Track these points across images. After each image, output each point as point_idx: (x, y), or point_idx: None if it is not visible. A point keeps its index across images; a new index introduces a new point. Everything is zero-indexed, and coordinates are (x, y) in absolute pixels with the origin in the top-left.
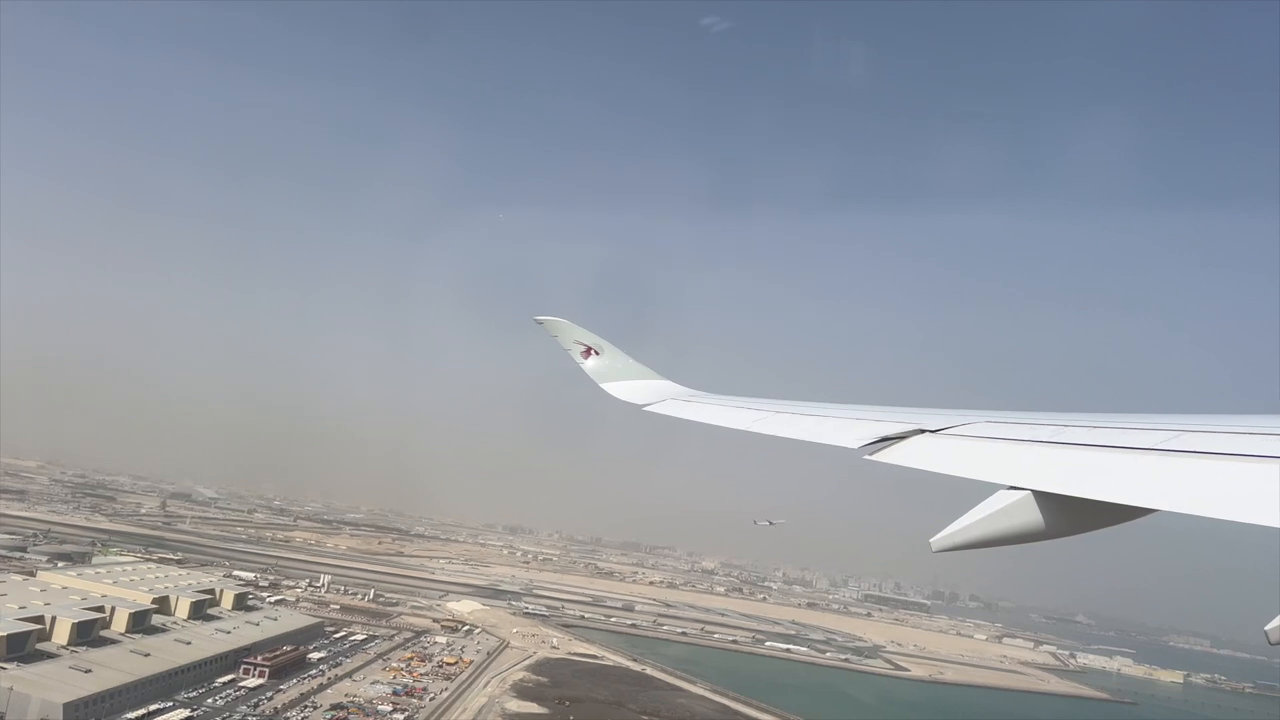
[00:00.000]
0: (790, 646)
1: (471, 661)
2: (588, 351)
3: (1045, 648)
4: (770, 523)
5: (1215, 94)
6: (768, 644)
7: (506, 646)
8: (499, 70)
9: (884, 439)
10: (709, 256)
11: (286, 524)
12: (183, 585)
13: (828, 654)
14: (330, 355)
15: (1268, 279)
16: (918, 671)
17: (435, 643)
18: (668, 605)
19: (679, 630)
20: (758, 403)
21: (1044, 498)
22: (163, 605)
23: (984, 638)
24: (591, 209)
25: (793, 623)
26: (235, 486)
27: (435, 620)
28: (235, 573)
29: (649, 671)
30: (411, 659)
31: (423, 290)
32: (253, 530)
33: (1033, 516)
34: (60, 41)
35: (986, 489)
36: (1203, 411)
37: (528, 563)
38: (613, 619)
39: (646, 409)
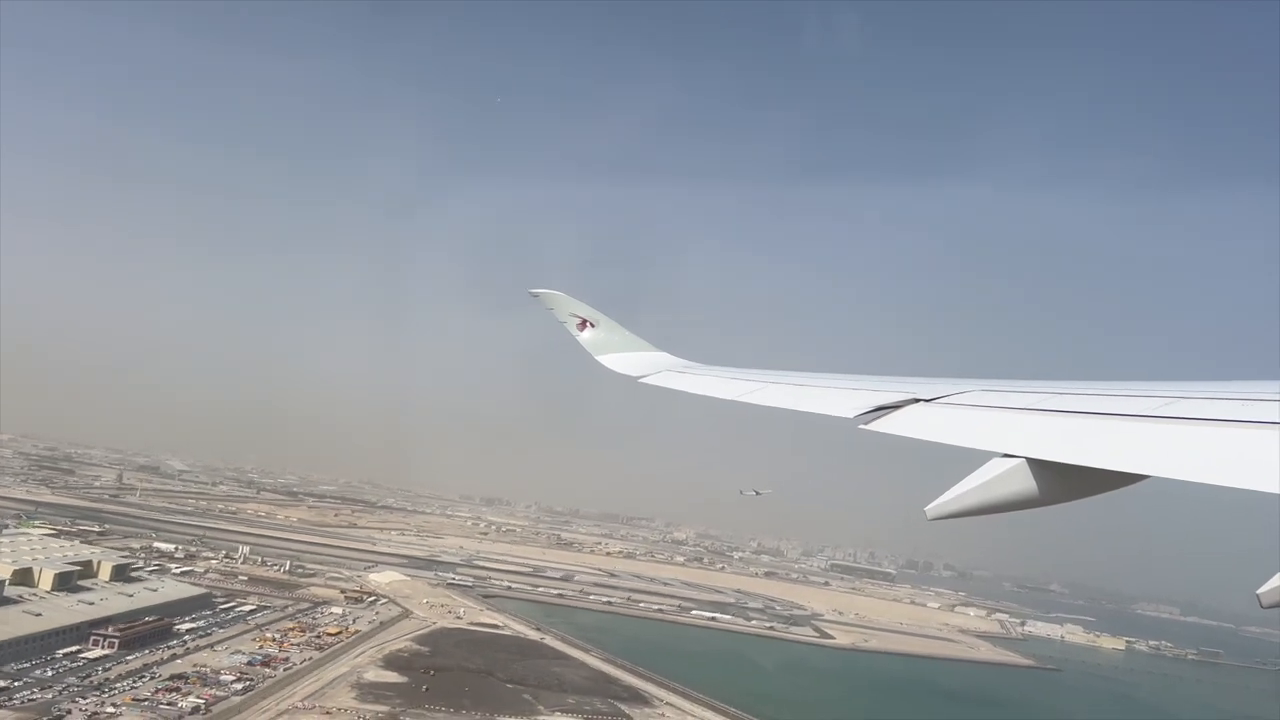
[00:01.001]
0: (716, 615)
1: (358, 631)
2: (583, 324)
3: (998, 616)
4: (757, 492)
5: (1202, 74)
6: (693, 613)
7: (406, 617)
8: (486, 42)
9: (879, 408)
10: (704, 229)
11: (249, 496)
12: (57, 557)
13: (753, 622)
14: (319, 331)
15: (1257, 255)
16: (842, 639)
17: (330, 613)
18: (612, 575)
19: (605, 600)
20: (753, 374)
21: (1038, 465)
22: (24, 577)
23: (937, 606)
24: (582, 182)
25: (737, 591)
26: (215, 460)
27: (343, 591)
28: (156, 544)
29: (546, 641)
30: (292, 629)
31: (412, 265)
32: (205, 503)
33: (1027, 484)
34: (40, 15)
35: (981, 457)
36: (1196, 379)
37: (485, 534)
38: (540, 589)
39: (642, 381)
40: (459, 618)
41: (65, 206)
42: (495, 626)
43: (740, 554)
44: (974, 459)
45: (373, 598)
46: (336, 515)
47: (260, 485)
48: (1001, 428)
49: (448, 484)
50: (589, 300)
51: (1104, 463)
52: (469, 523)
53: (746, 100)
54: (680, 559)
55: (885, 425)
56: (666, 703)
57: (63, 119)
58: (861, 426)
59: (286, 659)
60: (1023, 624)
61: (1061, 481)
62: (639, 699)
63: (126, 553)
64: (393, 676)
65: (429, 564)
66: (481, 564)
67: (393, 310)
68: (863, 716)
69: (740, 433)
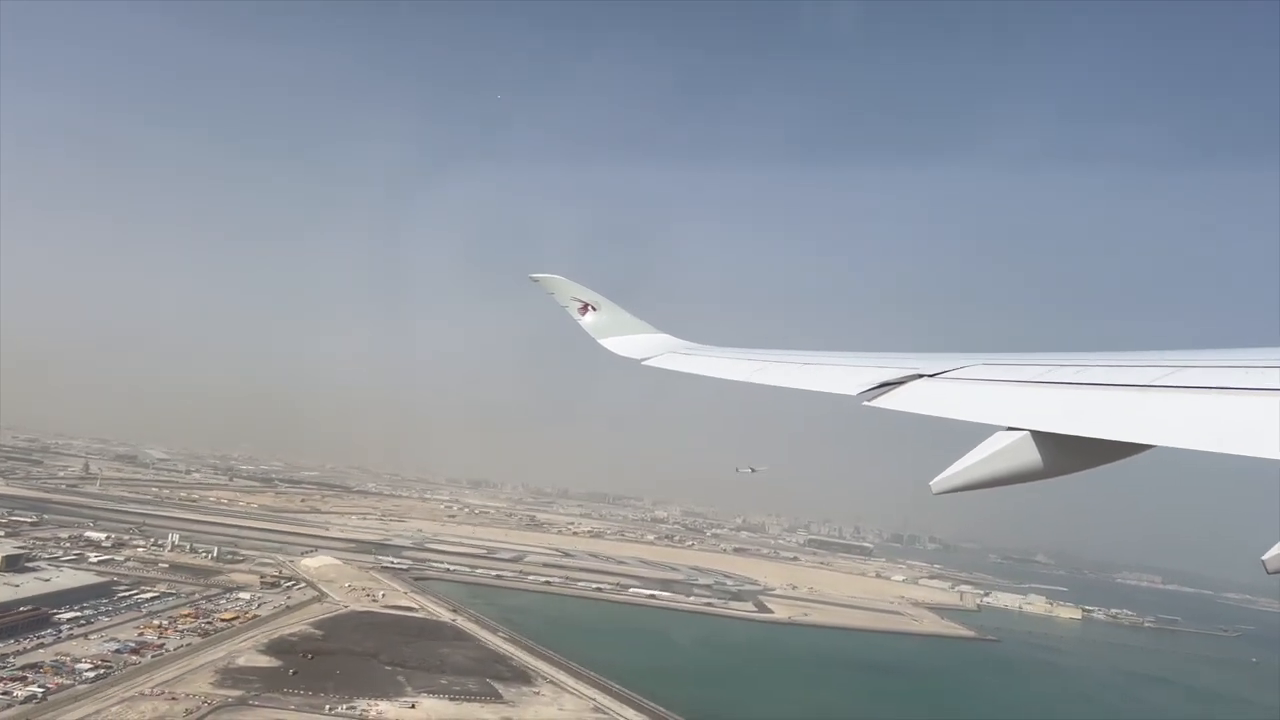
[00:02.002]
0: (654, 593)
1: (256, 617)
2: (585, 308)
3: (961, 588)
4: (753, 469)
5: (1204, 53)
6: (630, 591)
7: (319, 601)
8: (484, 26)
9: (883, 384)
10: (705, 213)
11: (219, 483)
12: None
13: (692, 599)
14: (317, 318)
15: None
16: (781, 613)
17: (238, 599)
18: (567, 555)
19: (544, 580)
20: (757, 353)
21: (1042, 437)
22: None
23: (901, 579)
24: (581, 168)
25: (692, 568)
26: (202, 448)
27: (262, 577)
28: (87, 533)
29: (457, 622)
30: (185, 615)
31: (411, 254)
32: (169, 491)
33: (1031, 456)
34: (42, 6)
35: (985, 431)
36: (1197, 348)
37: (453, 516)
38: (479, 571)
39: (645, 363)
40: (374, 601)
41: (64, 201)
42: (410, 609)
43: (718, 531)
44: (978, 433)
45: (291, 582)
46: (303, 501)
47: (236, 472)
48: (1005, 401)
49: (439, 468)
50: (590, 284)
51: (1108, 433)
52: (443, 506)
53: (747, 82)
54: (651, 537)
55: (889, 401)
56: (550, 680)
57: (58, 110)
58: (865, 403)
59: (161, 646)
60: (985, 595)
61: (1066, 453)
62: (522, 678)
63: (29, 543)
64: (265, 661)
65: (377, 548)
66: (433, 547)
67: (391, 298)
68: (758, 687)
69: (742, 412)
